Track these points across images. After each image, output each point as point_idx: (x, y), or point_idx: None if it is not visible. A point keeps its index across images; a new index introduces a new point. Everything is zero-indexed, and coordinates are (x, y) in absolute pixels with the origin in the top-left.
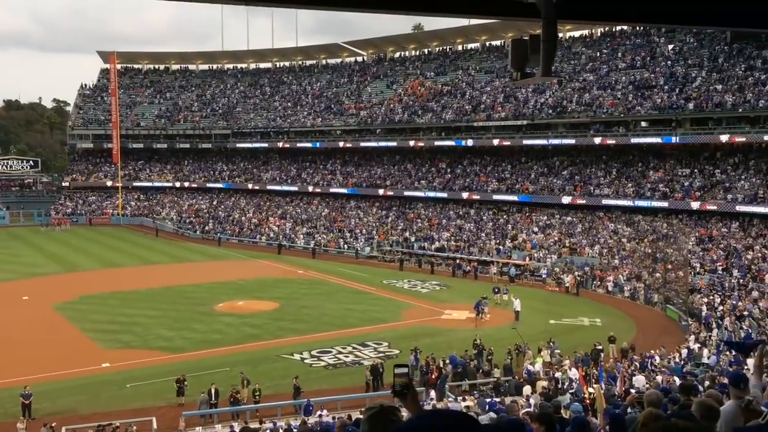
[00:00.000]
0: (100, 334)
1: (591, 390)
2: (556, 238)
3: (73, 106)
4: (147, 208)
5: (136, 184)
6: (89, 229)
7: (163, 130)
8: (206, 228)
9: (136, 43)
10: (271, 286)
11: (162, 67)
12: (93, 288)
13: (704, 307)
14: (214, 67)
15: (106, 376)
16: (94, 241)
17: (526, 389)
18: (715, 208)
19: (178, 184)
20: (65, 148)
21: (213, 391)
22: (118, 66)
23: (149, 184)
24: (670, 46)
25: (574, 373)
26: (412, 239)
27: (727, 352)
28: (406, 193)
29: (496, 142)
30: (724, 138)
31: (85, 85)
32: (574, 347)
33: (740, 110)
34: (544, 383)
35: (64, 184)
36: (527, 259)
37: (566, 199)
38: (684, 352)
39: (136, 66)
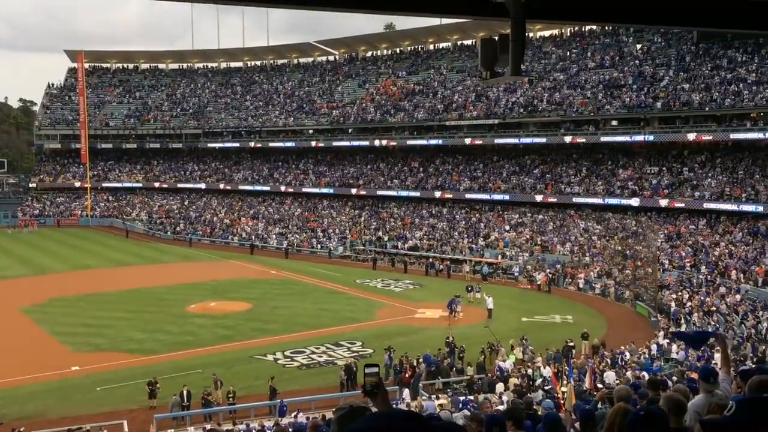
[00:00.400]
0: (70, 337)
1: (564, 389)
2: (528, 236)
3: (40, 105)
4: (117, 209)
5: (106, 184)
6: (57, 231)
7: (132, 129)
8: (177, 229)
9: (105, 42)
10: (244, 286)
11: (131, 66)
12: (62, 290)
13: (673, 303)
14: (185, 66)
15: (76, 380)
16: (62, 242)
17: (499, 387)
18: (683, 205)
19: (148, 185)
20: (32, 148)
21: (185, 393)
22: (86, 65)
23: (119, 184)
24: (638, 46)
25: (547, 371)
26: (385, 238)
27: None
28: (379, 193)
29: (468, 141)
30: (691, 136)
31: (53, 84)
32: (546, 344)
33: (707, 109)
34: (517, 380)
35: (31, 185)
36: (500, 257)
37: (538, 198)
38: (653, 347)
39: (104, 65)
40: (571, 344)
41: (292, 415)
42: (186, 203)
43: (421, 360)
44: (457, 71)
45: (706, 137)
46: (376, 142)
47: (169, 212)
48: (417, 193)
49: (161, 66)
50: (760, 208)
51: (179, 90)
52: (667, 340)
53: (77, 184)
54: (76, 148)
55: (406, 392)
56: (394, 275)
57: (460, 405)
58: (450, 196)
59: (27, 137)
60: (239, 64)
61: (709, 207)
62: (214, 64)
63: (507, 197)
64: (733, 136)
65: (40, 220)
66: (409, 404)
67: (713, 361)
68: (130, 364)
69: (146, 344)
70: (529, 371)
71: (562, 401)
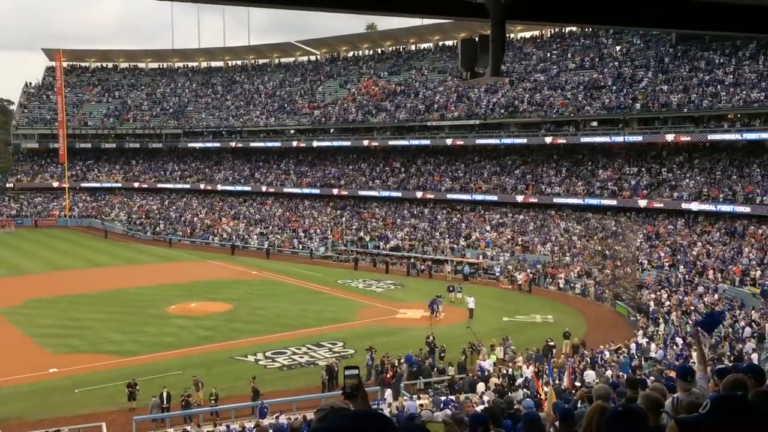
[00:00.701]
0: (48, 339)
1: (546, 389)
2: (509, 237)
3: (17, 104)
4: (95, 209)
5: (84, 184)
6: (35, 231)
7: (111, 129)
8: (157, 229)
9: (83, 40)
10: (225, 287)
11: (110, 65)
12: (40, 292)
13: (652, 303)
14: (164, 65)
15: (54, 382)
16: (40, 243)
17: (480, 386)
18: (661, 205)
19: (127, 185)
20: (9, 148)
21: (165, 394)
22: (65, 64)
23: (97, 184)
24: (618, 48)
25: (528, 371)
26: (367, 239)
27: (674, 346)
28: (361, 193)
29: (449, 141)
30: (669, 137)
31: (30, 83)
32: (527, 344)
33: (685, 110)
34: (498, 380)
35: (8, 185)
36: (481, 257)
37: (519, 198)
38: (633, 346)
39: (83, 64)
40: (552, 344)
41: (274, 416)
42: (166, 203)
43: (402, 360)
44: (439, 72)
45: (685, 138)
46: (358, 143)
47: (148, 212)
48: (398, 194)
49: (141, 65)
50: (737, 209)
51: (159, 89)
52: (647, 339)
53: (55, 184)
54: (54, 147)
55: (389, 392)
56: (376, 275)
57: (441, 405)
58: (431, 196)
59: (4, 137)
60: (220, 63)
61: (687, 207)
62: (195, 64)
63: (488, 197)
64: (711, 137)
65: (18, 221)
66: (391, 404)
67: (691, 360)
68: (108, 365)
69: (125, 346)
70: (510, 371)
71: (543, 400)
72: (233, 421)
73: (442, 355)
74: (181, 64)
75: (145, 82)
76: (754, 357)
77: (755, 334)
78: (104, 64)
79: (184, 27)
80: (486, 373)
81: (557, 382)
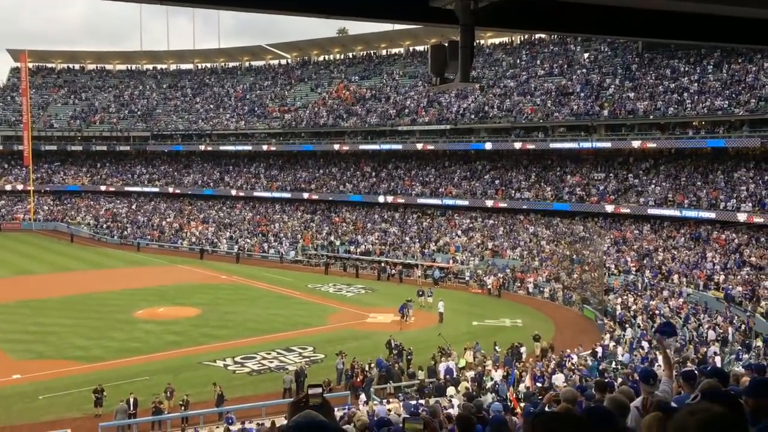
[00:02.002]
0: (11, 345)
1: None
2: (478, 241)
3: None
4: (61, 213)
5: (49, 187)
6: None
7: (78, 131)
8: (125, 233)
9: (49, 41)
10: (193, 291)
11: (77, 66)
12: (2, 296)
13: (618, 307)
14: (132, 67)
15: (18, 388)
16: (3, 247)
17: (450, 390)
18: (628, 211)
19: (94, 188)
20: None
21: (132, 400)
22: (30, 65)
23: (63, 187)
24: (586, 55)
25: (498, 374)
26: (338, 243)
27: (640, 349)
28: (331, 197)
29: (420, 146)
30: (636, 144)
31: None
32: (495, 348)
33: (651, 117)
34: (467, 384)
35: None
36: (451, 261)
37: (488, 203)
38: (599, 350)
39: (49, 65)
40: (520, 347)
41: (240, 422)
42: (134, 207)
43: (373, 364)
44: (410, 77)
45: (651, 145)
46: (329, 147)
47: (116, 216)
48: (369, 198)
49: (108, 67)
50: (702, 214)
51: (127, 91)
52: (613, 343)
53: (19, 187)
54: (18, 149)
55: (362, 397)
56: (346, 280)
57: (411, 409)
58: (402, 200)
59: None
60: (189, 66)
61: (653, 213)
62: (164, 66)
63: (458, 202)
64: (676, 143)
65: None
66: (360, 408)
67: (657, 363)
68: (74, 371)
69: (91, 351)
70: (479, 375)
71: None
72: (202, 426)
73: (410, 357)
74: (150, 66)
75: (113, 83)
76: (717, 360)
77: (719, 338)
78: (71, 66)
79: (153, 29)
80: (453, 375)
81: (526, 386)
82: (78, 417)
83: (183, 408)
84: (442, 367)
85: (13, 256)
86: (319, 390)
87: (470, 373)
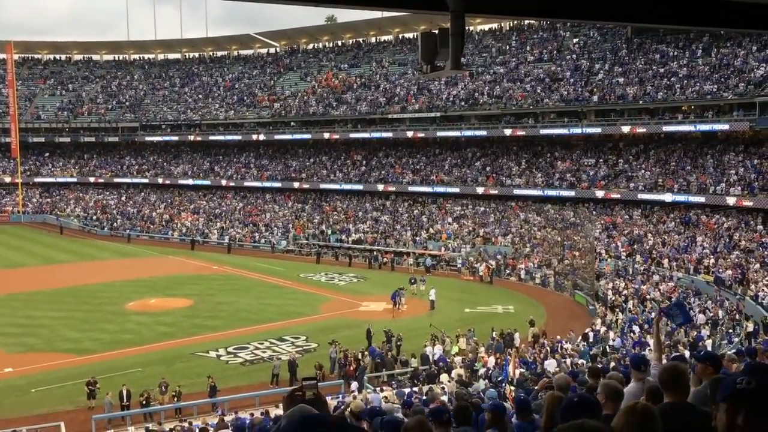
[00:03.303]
0: (1, 338)
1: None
2: (470, 228)
3: None
4: (50, 205)
5: (38, 179)
6: None
7: (66, 123)
8: (114, 224)
9: (35, 32)
10: (185, 282)
11: (63, 57)
12: None
13: (609, 292)
14: (120, 57)
15: (9, 381)
16: None
17: (443, 377)
18: (618, 196)
19: (83, 180)
20: None
21: (125, 392)
22: (16, 56)
23: (52, 179)
24: (575, 40)
25: (491, 361)
26: (329, 232)
27: (631, 334)
28: (322, 186)
29: (410, 134)
30: (625, 129)
31: None
32: (488, 335)
33: (641, 102)
34: (461, 371)
35: None
36: (442, 249)
37: (479, 190)
38: (591, 335)
39: (35, 56)
40: (512, 332)
41: (233, 411)
42: (123, 198)
43: (366, 353)
44: (399, 64)
45: (640, 130)
46: (319, 136)
47: (105, 208)
48: (360, 186)
49: (95, 57)
50: (691, 199)
51: (115, 82)
52: (605, 328)
53: (7, 180)
54: (5, 142)
55: (354, 385)
56: (338, 269)
57: (405, 397)
58: (393, 189)
59: None
60: (177, 55)
61: (643, 198)
62: (151, 56)
63: (449, 189)
64: (666, 128)
65: None
66: (356, 397)
67: (648, 347)
68: (66, 364)
69: (83, 343)
70: (471, 360)
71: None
72: (195, 417)
73: (399, 343)
74: (137, 56)
75: (100, 74)
76: (708, 343)
77: (709, 321)
78: (57, 56)
79: (139, 19)
80: (447, 361)
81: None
82: (71, 410)
83: (176, 399)
84: (428, 351)
85: (2, 248)
86: (314, 382)
87: (458, 359)
